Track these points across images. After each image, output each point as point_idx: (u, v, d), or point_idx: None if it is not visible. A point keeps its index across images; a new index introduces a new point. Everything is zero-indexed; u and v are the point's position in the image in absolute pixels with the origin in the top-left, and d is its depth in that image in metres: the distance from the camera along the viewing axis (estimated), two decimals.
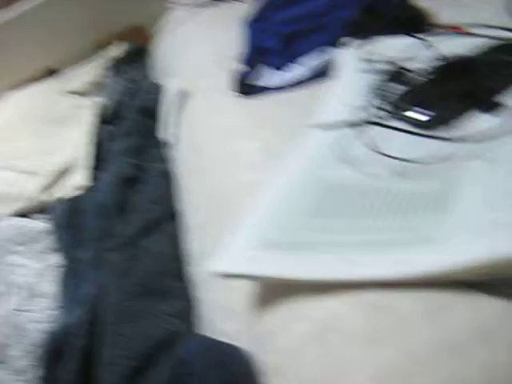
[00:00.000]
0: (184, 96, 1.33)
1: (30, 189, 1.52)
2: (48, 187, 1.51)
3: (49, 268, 1.30)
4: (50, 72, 2.07)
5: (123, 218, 1.19)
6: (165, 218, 1.14)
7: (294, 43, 1.12)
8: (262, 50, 1.17)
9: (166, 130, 1.35)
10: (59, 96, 1.75)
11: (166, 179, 1.25)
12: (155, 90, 1.54)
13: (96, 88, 1.79)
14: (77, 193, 1.49)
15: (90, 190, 1.48)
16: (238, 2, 1.70)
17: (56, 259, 1.32)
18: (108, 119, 1.65)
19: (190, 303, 0.98)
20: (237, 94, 1.13)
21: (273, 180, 0.80)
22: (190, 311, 0.96)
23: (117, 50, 1.92)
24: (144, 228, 1.11)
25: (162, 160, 1.34)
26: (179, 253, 1.07)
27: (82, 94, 1.77)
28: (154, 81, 1.70)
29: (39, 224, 1.47)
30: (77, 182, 1.50)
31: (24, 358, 1.12)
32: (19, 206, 1.53)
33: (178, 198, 1.20)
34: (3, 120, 1.75)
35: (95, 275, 1.10)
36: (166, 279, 1.02)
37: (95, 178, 1.51)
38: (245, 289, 0.71)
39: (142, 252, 1.06)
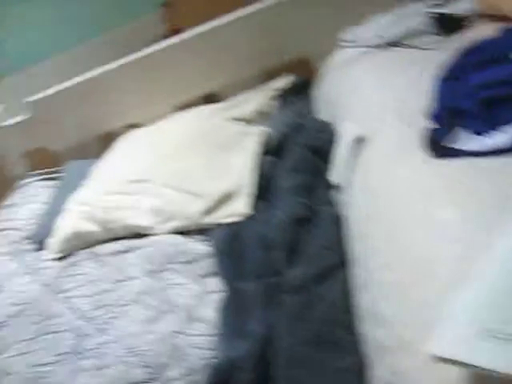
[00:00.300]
0: (360, 142, 1.32)
1: (192, 210, 1.57)
2: (209, 211, 1.56)
3: (208, 292, 1.34)
4: (211, 97, 2.15)
5: (294, 259, 1.20)
6: (336, 265, 1.13)
7: (495, 108, 1.08)
8: (456, 111, 1.14)
9: (338, 173, 1.35)
10: (226, 122, 1.81)
11: (336, 224, 1.25)
12: (324, 129, 1.55)
13: (261, 117, 1.83)
14: (237, 220, 1.52)
15: (250, 219, 1.51)
16: (414, 49, 1.68)
17: (215, 284, 1.35)
18: (272, 150, 1.68)
19: (361, 360, 0.97)
20: (427, 152, 1.10)
21: (482, 258, 0.78)
22: (363, 369, 0.95)
23: (283, 81, 1.96)
24: (317, 274, 1.11)
25: (330, 203, 1.34)
26: (350, 303, 1.06)
27: (247, 121, 1.81)
28: (323, 118, 1.70)
29: (198, 245, 1.52)
30: (238, 209, 1.53)
31: (182, 381, 1.15)
32: (179, 224, 1.59)
33: (349, 244, 1.19)
34: (172, 140, 1.82)
35: (263, 313, 1.11)
36: (338, 330, 1.01)
37: (256, 208, 1.54)
38: (450, 370, 0.69)
39: (316, 299, 1.06)
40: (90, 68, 3.47)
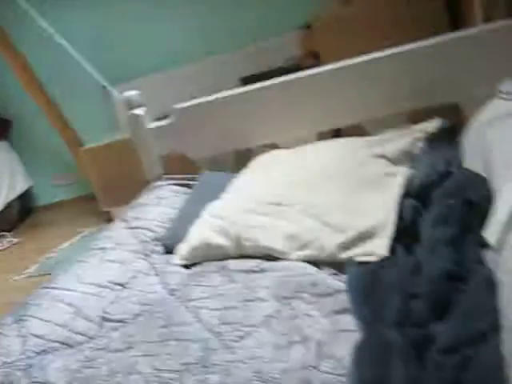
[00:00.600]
0: None
1: (329, 242, 1.56)
2: (347, 246, 1.54)
3: (341, 330, 1.31)
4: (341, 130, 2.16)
5: (442, 315, 1.16)
6: (490, 329, 1.08)
7: None
8: None
9: (495, 233, 1.30)
10: (370, 158, 1.79)
11: (489, 285, 1.19)
12: (479, 183, 1.49)
13: (405, 158, 1.80)
14: (373, 260, 1.50)
15: (388, 262, 1.47)
16: None
17: (349, 323, 1.32)
18: (414, 193, 1.64)
19: None
20: None
21: None
22: None
23: (431, 124, 1.92)
24: (470, 336, 1.06)
25: (482, 262, 1.29)
26: (505, 373, 1.01)
27: (391, 160, 1.79)
28: (469, 168, 1.65)
29: (331, 279, 1.50)
30: (376, 249, 1.51)
31: None
32: (313, 254, 1.58)
33: (502, 309, 1.13)
34: (314, 167, 1.83)
35: (407, 365, 1.08)
36: None
37: (393, 251, 1.51)
38: None
39: (469, 363, 1.01)
40: (224, 79, 3.58)
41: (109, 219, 3.82)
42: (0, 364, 1.47)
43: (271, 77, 2.36)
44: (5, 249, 4.27)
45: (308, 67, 3.18)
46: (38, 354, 1.51)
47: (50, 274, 3.37)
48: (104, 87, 3.34)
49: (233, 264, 1.69)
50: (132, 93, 2.30)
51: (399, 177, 1.70)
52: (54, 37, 3.13)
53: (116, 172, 3.56)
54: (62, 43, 3.09)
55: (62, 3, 4.06)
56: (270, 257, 1.66)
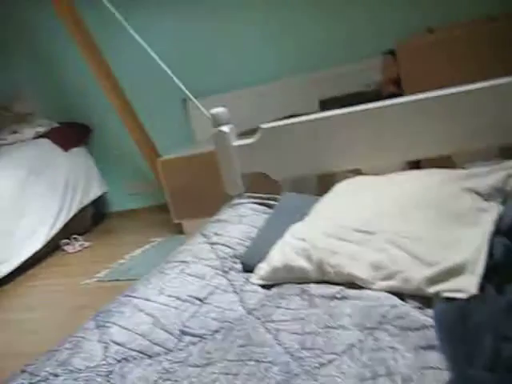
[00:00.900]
0: None
1: (416, 275, 1.53)
2: (434, 281, 1.50)
3: (427, 367, 1.28)
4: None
5: None
6: None
7: None
8: None
9: None
10: (461, 191, 1.75)
11: None
12: None
13: (497, 194, 1.75)
14: (462, 297, 1.46)
15: (477, 300, 1.43)
16: None
17: (436, 360, 1.29)
18: (506, 231, 1.59)
19: None
20: None
21: None
22: None
23: None
24: None
25: None
26: None
27: (482, 195, 1.74)
28: None
29: (417, 313, 1.47)
30: (466, 286, 1.46)
31: None
32: (399, 285, 1.56)
33: None
34: (401, 196, 1.80)
35: None
36: None
37: (483, 289, 1.47)
38: None
39: None
40: (303, 99, 3.60)
41: (180, 231, 3.88)
42: (83, 368, 1.50)
43: (350, 101, 2.36)
44: (76, 252, 4.40)
45: (389, 94, 3.17)
46: (119, 361, 1.54)
47: (119, 280, 3.45)
48: (187, 99, 3.41)
49: (314, 288, 1.68)
50: (220, 109, 2.33)
51: (491, 213, 1.65)
52: (142, 46, 3.21)
53: (191, 185, 3.62)
54: (151, 53, 3.16)
55: (150, 12, 4.19)
56: (351, 284, 1.64)
